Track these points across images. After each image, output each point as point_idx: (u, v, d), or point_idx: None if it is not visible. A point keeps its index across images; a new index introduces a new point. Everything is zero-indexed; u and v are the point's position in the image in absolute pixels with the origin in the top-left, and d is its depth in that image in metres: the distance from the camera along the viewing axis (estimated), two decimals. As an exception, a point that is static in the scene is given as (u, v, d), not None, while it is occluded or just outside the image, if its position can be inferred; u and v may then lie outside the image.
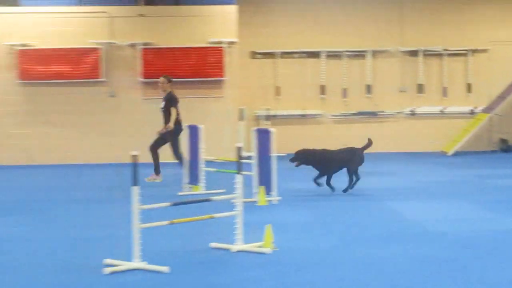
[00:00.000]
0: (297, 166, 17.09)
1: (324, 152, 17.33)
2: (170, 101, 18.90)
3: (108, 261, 10.18)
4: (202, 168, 17.07)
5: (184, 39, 24.65)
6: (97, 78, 24.40)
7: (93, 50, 24.42)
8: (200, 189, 16.92)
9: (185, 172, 17.31)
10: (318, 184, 16.93)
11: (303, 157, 17.08)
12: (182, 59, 24.56)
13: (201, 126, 17.29)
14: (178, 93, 23.61)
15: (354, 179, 16.94)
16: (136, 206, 9.96)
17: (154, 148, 19.00)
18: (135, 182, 9.87)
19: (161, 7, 24.85)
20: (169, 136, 18.77)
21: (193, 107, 24.11)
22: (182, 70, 24.47)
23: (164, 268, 9.85)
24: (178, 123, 18.75)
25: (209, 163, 17.56)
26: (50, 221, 14.11)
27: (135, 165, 9.88)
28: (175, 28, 24.67)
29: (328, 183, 17.02)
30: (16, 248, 11.73)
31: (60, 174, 21.59)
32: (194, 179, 17.11)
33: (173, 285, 9.35)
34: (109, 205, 15.58)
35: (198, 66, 24.58)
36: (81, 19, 24.51)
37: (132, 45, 24.57)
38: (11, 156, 24.04)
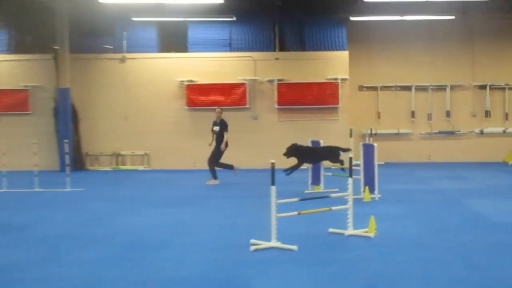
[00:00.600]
0: (287, 158, 16.61)
1: (309, 148, 17.02)
2: (223, 127, 19.33)
3: (252, 241, 10.24)
4: (322, 173, 17.02)
5: (309, 76, 24.64)
6: (244, 105, 24.59)
7: (241, 84, 24.61)
8: (320, 188, 16.86)
9: (309, 174, 17.28)
10: (288, 174, 16.49)
11: (293, 151, 16.62)
12: (307, 91, 24.56)
13: (321, 141, 17.27)
14: (304, 116, 23.66)
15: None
16: (274, 200, 10.00)
17: (211, 161, 19.40)
18: (273, 182, 9.90)
19: (292, 53, 24.88)
20: (218, 151, 19.18)
21: (314, 126, 24.16)
22: (307, 99, 24.49)
23: (294, 247, 9.87)
24: (226, 143, 19.23)
25: (327, 168, 17.47)
26: (207, 211, 14.26)
27: (272, 170, 9.91)
28: (302, 68, 24.68)
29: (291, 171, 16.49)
30: (184, 230, 11.91)
31: (216, 176, 21.82)
32: (316, 181, 17.06)
33: (301, 259, 9.35)
34: (252, 200, 15.64)
35: (319, 96, 24.53)
36: (232, 61, 24.73)
37: (270, 81, 24.68)
38: (180, 162, 24.42)
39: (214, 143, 19.48)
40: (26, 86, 24.60)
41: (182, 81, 24.60)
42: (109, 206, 15.04)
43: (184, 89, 24.61)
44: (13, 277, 8.52)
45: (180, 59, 24.81)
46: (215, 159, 19.46)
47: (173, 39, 25.44)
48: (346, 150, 16.77)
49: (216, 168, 19.51)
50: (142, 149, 24.68)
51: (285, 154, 16.64)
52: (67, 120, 23.79)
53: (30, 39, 25.05)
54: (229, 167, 19.72)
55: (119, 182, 20.10)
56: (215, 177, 19.51)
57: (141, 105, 24.70)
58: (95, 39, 24.97)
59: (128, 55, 24.72)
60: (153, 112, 24.59)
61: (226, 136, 19.31)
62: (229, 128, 19.51)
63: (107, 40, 24.91)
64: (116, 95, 24.68)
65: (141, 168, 24.40)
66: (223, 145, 19.30)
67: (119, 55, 24.72)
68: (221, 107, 20.39)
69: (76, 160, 23.53)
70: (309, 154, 16.77)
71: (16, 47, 25.05)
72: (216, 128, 19.49)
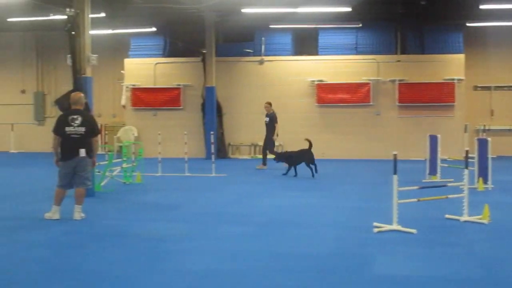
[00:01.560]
0: (276, 161, 18.61)
1: (291, 152, 18.51)
2: (273, 119, 19.98)
3: (375, 224, 10.20)
4: (439, 164, 16.68)
5: (427, 77, 24.13)
6: (367, 102, 24.36)
7: (365, 84, 24.40)
8: (437, 178, 16.52)
9: (426, 165, 16.97)
10: (286, 173, 18.03)
11: (281, 156, 18.47)
12: (426, 90, 24.06)
13: (438, 135, 16.90)
14: (422, 113, 23.22)
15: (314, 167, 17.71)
16: (395, 188, 9.92)
17: (264, 149, 20.29)
18: (395, 172, 9.82)
19: (412, 55, 24.42)
20: (270, 141, 19.87)
21: (431, 122, 23.65)
22: (425, 97, 24.00)
23: (413, 230, 9.76)
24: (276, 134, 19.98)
25: (443, 160, 17.11)
26: (334, 195, 14.28)
27: (395, 161, 9.83)
28: (421, 69, 24.19)
29: (293, 170, 18.01)
30: (314, 211, 12.00)
31: (341, 165, 21.77)
32: (433, 171, 16.73)
33: (420, 240, 9.25)
34: (373, 187, 15.55)
35: (436, 95, 23.99)
36: (357, 63, 24.54)
37: (392, 81, 24.33)
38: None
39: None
40: (178, 85, 25.33)
41: (313, 80, 24.65)
42: (248, 189, 15.33)
43: (315, 88, 24.65)
44: (169, 248, 8.85)
45: (311, 61, 24.86)
46: (268, 146, 20.02)
47: (306, 43, 25.54)
48: (310, 145, 18.02)
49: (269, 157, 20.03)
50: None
51: (275, 159, 18.58)
52: (213, 114, 24.35)
53: (182, 44, 25.79)
54: (264, 161, 20.26)
55: (256, 169, 20.39)
56: (264, 163, 20.22)
57: (276, 101, 24.84)
58: (237, 44, 25.41)
59: (266, 58, 24.99)
60: (286, 108, 24.75)
61: (277, 127, 19.94)
62: (278, 120, 20.15)
63: (248, 44, 25.29)
64: (255, 93, 25.01)
65: (275, 157, 24.63)
66: (275, 136, 20.03)
67: (258, 58, 25.04)
68: (270, 102, 20.75)
69: (220, 149, 24.03)
70: (292, 157, 18.14)
71: (171, 51, 25.85)
72: (266, 120, 20.22)
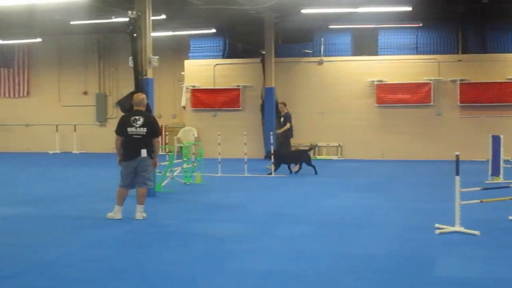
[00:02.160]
0: (264, 158, 19.45)
1: (288, 152, 19.09)
2: (286, 118, 19.81)
3: (437, 225, 10.08)
4: (502, 164, 16.36)
5: (489, 76, 23.66)
6: (428, 103, 24.02)
7: (426, 84, 24.06)
8: (500, 179, 16.21)
9: (489, 167, 16.67)
10: (290, 171, 18.63)
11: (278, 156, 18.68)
12: (488, 90, 23.59)
13: (501, 136, 16.59)
14: (484, 113, 22.85)
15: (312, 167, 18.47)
16: (458, 189, 9.79)
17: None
18: (457, 172, 9.69)
19: (473, 55, 24.00)
20: (282, 139, 19.63)
21: (494, 122, 23.19)
22: (487, 97, 23.53)
23: (476, 232, 9.60)
24: (291, 131, 19.80)
25: (506, 161, 16.79)
26: (395, 196, 14.16)
27: (457, 162, 9.70)
28: (483, 69, 23.74)
29: (288, 168, 18.74)
30: (375, 212, 11.92)
31: (401, 166, 21.55)
32: (496, 172, 16.43)
33: (483, 242, 9.10)
34: (434, 188, 15.36)
35: (499, 95, 23.50)
36: (418, 63, 24.24)
37: (453, 81, 23.95)
38: (369, 153, 24.26)
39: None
40: (238, 85, 25.47)
41: (373, 81, 24.45)
42: (308, 190, 15.33)
43: (374, 88, 24.45)
44: (230, 248, 8.91)
45: (371, 61, 24.68)
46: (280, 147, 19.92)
47: (365, 43, 25.37)
48: (310, 149, 19.35)
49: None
50: (336, 141, 24.82)
51: (265, 158, 19.33)
52: (272, 115, 24.39)
53: (241, 45, 25.93)
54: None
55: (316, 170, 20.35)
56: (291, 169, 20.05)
57: (336, 102, 24.84)
58: (296, 44, 25.41)
59: (325, 58, 24.91)
60: (346, 108, 24.64)
61: (288, 125, 19.72)
62: (292, 120, 19.93)
63: (307, 45, 25.25)
64: (314, 94, 24.96)
65: (335, 158, 24.55)
66: (279, 131, 19.94)
67: (317, 59, 24.98)
68: (284, 102, 20.63)
69: (278, 150, 24.03)
70: (287, 156, 18.80)
71: (230, 53, 26.02)
72: (281, 120, 20.13)
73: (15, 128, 29.54)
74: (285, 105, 20.41)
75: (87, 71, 29.00)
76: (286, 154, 18.99)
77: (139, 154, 11.07)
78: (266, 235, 9.85)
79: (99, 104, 28.84)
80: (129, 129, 11.08)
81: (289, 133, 19.83)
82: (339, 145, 24.68)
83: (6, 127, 29.50)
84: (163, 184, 15.06)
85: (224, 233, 9.93)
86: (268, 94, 24.51)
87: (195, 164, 16.99)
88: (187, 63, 26.04)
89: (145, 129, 11.10)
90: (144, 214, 11.24)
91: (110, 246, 9.19)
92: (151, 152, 11.21)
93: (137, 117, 11.16)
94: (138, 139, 11.08)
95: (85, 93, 29.10)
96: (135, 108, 11.41)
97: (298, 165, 18.90)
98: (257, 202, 13.44)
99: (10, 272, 7.62)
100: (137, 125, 11.09)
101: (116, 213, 11.20)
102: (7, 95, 29.68)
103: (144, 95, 11.77)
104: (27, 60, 29.43)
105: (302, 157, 18.84)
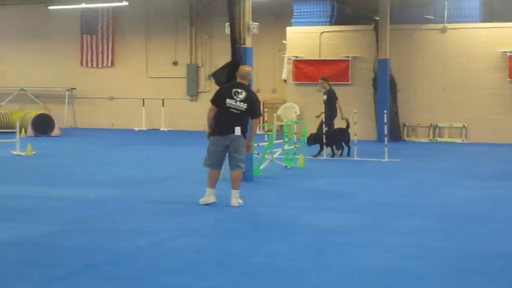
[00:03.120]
0: (309, 145, 18.34)
1: (327, 132, 18.50)
2: (332, 95, 19.51)
3: None
4: None
5: None
6: None
7: None
8: None
9: None
10: (319, 153, 18.37)
11: (313, 139, 18.42)
12: None
13: None
14: None
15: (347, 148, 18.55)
16: None
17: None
18: None
19: None
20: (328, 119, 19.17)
21: None
22: None
23: None
24: (335, 110, 19.47)
25: None
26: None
27: None
28: None
29: (331, 150, 18.65)
30: (503, 205, 11.62)
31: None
32: None
33: None
34: None
35: None
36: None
37: None
38: (499, 136, 23.63)
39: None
40: (347, 56, 25.30)
41: (505, 51, 23.76)
42: (428, 177, 15.12)
43: (507, 60, 23.75)
44: (337, 241, 8.90)
45: (503, 29, 23.98)
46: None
47: (497, 8, 24.68)
48: (348, 125, 18.58)
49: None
50: (460, 122, 24.33)
51: (308, 143, 18.23)
52: (385, 90, 24.12)
53: (352, 10, 25.71)
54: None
55: (436, 154, 20.05)
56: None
57: (460, 76, 24.30)
58: (415, 9, 24.97)
59: (448, 25, 24.38)
60: (472, 83, 24.08)
61: (339, 104, 19.54)
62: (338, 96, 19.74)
63: (428, 10, 24.78)
64: (435, 66, 24.51)
65: (458, 140, 24.07)
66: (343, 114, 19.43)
67: (439, 26, 24.49)
68: (326, 78, 20.26)
69: (392, 130, 23.81)
70: (326, 139, 18.33)
71: (338, 19, 25.83)
72: (324, 98, 19.76)
73: (98, 101, 30.39)
74: (327, 80, 20.15)
75: (177, 39, 29.45)
76: (328, 136, 18.60)
77: (233, 131, 11.10)
78: (381, 227, 9.79)
79: (190, 76, 29.27)
80: (228, 101, 11.13)
81: (334, 113, 19.53)
82: (464, 126, 24.16)
83: (89, 100, 30.38)
84: (261, 167, 15.18)
85: (330, 224, 9.92)
86: (381, 66, 24.24)
87: (297, 146, 17.03)
88: (290, 30, 26.05)
89: (245, 105, 11.14)
90: (240, 201, 11.34)
91: (204, 235, 9.35)
92: (245, 132, 11.26)
93: (239, 90, 11.20)
94: (235, 114, 11.12)
95: (175, 63, 29.58)
96: (238, 80, 11.46)
97: (341, 148, 18.85)
98: (368, 189, 13.37)
99: (94, 261, 7.87)
100: (238, 99, 11.13)
101: (208, 196, 11.30)
102: (89, 65, 30.53)
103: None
104: (111, 26, 30.13)
105: (343, 136, 18.64)
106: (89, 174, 15.40)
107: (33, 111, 26.81)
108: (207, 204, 11.23)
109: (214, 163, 11.33)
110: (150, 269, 7.53)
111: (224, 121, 11.15)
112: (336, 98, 19.63)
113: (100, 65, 30.40)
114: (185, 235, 9.30)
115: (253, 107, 11.29)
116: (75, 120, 30.60)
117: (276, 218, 10.44)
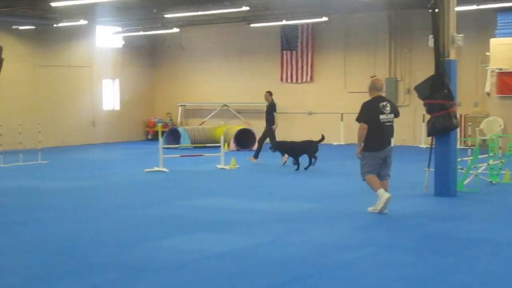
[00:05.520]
0: (273, 152, 20.07)
1: (292, 143, 19.60)
2: (271, 108, 21.26)
3: None
4: None
5: None
6: None
7: None
8: None
9: None
10: (295, 164, 19.09)
11: (277, 146, 19.79)
12: None
13: None
14: None
15: (313, 160, 19.13)
16: None
17: (261, 140, 21.33)
18: None
19: None
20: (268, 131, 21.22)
21: None
22: None
23: None
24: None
25: None
26: None
27: None
28: None
29: (295, 163, 19.16)
30: None
31: None
32: None
33: None
34: None
35: None
36: None
37: None
38: None
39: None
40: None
41: None
42: None
43: None
44: None
45: None
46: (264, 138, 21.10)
47: None
48: (321, 140, 19.41)
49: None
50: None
51: (271, 148, 20.03)
52: None
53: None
54: (258, 152, 21.06)
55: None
56: (256, 156, 20.96)
57: None
58: None
59: None
60: None
61: (274, 118, 21.16)
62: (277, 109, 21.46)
63: None
64: None
65: None
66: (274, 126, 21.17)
67: None
68: (270, 91, 21.85)
69: None
70: (290, 148, 19.37)
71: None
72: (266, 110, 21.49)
73: (297, 116, 30.87)
74: (271, 94, 21.56)
75: (376, 54, 29.33)
76: (301, 145, 19.39)
77: (389, 143, 11.81)
78: None
79: (389, 90, 28.99)
80: (381, 117, 11.69)
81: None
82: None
83: (288, 115, 30.92)
84: (465, 182, 14.78)
85: None
86: None
87: (502, 161, 16.43)
88: (493, 42, 25.21)
89: (393, 115, 11.80)
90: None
91: (407, 250, 9.24)
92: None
93: (384, 103, 11.83)
94: (389, 127, 11.76)
95: (373, 77, 29.45)
96: (376, 93, 11.99)
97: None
98: None
99: (299, 273, 8.01)
100: (387, 111, 11.73)
101: (382, 195, 11.58)
102: (289, 80, 31.06)
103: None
104: (311, 42, 30.53)
105: (313, 148, 19.25)
106: (291, 188, 15.62)
107: (235, 126, 27.71)
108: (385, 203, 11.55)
109: (373, 170, 11.81)
110: (354, 284, 7.54)
111: (381, 136, 11.77)
112: (274, 111, 21.37)
113: (299, 81, 30.87)
114: (388, 250, 9.22)
115: (397, 115, 11.95)
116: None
117: (483, 235, 10.14)
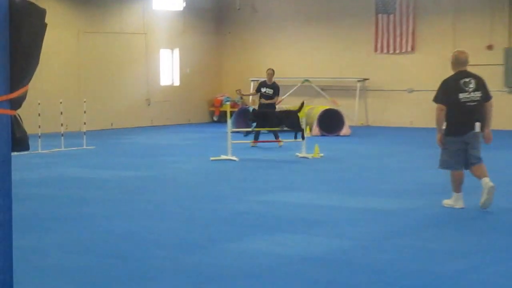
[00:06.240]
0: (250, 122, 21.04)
1: (266, 112, 20.89)
2: (276, 90, 22.46)
3: None
4: None
5: None
6: None
7: None
8: None
9: None
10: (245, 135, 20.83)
11: (252, 116, 20.60)
12: None
13: None
14: None
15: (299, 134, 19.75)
16: None
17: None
18: None
19: None
20: None
21: None
22: None
23: None
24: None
25: None
26: None
27: None
28: None
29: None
30: None
31: None
32: None
33: None
34: None
35: None
36: None
37: None
38: None
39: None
40: None
41: None
42: None
43: None
44: None
45: None
46: None
47: None
48: (300, 109, 20.26)
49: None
50: None
51: (249, 120, 20.99)
52: None
53: None
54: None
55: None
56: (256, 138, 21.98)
57: None
58: None
59: None
60: None
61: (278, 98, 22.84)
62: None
63: None
64: None
65: None
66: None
67: None
68: (272, 69, 22.82)
69: None
70: (265, 118, 20.38)
71: None
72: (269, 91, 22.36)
73: (395, 94, 30.58)
74: (274, 73, 22.70)
75: (492, 19, 28.91)
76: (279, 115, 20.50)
77: (473, 127, 11.59)
78: None
79: (508, 62, 28.61)
80: (461, 95, 11.67)
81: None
82: None
83: (384, 92, 30.71)
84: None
85: None
86: None
87: None
88: None
89: (479, 93, 11.68)
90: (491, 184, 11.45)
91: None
92: (483, 124, 11.66)
93: (467, 79, 11.70)
94: (473, 107, 11.63)
95: (490, 47, 29.02)
96: (459, 68, 11.84)
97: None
98: None
99: (407, 285, 8.03)
100: (470, 89, 11.62)
101: (456, 201, 11.81)
102: (385, 51, 30.79)
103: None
104: (412, 3, 30.19)
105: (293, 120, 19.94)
106: (386, 182, 15.56)
107: (319, 106, 27.67)
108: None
109: (456, 162, 11.77)
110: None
111: (462, 118, 11.69)
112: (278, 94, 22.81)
113: (398, 51, 30.56)
114: (507, 258, 9.18)
115: (486, 93, 11.80)
116: (367, 116, 31.10)
117: None
